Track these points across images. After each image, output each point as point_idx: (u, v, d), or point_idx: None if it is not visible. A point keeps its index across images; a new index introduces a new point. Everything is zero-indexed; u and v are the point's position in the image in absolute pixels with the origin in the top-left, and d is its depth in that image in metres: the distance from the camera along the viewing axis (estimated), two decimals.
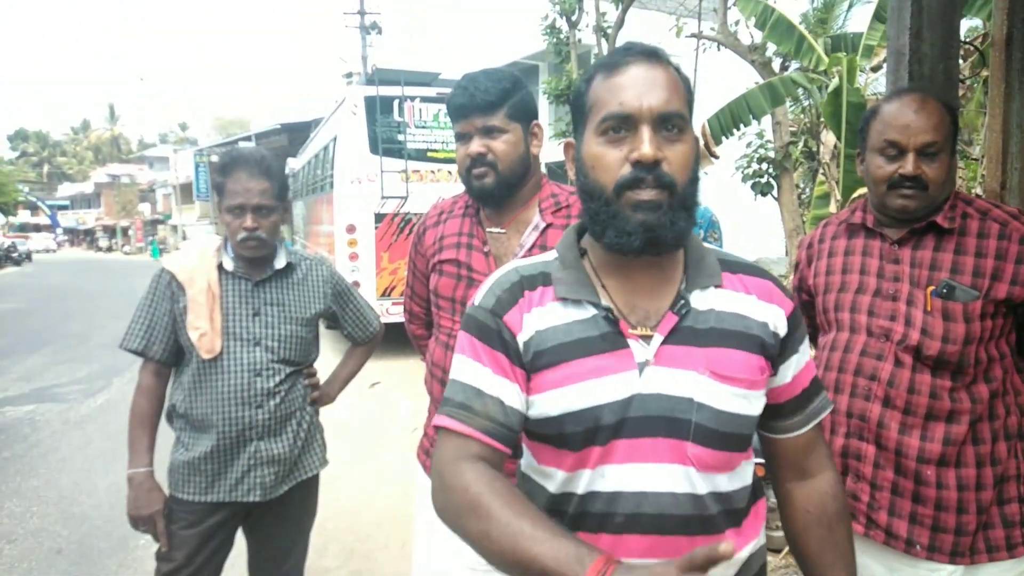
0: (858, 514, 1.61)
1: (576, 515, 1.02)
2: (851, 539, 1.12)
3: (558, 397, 1.00)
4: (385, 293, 8.17)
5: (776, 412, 1.11)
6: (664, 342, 1.01)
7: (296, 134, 16.78)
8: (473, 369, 1.05)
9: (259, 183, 2.00)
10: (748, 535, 1.07)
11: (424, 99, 8.30)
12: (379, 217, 8.16)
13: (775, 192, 7.28)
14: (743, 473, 1.06)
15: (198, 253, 2.10)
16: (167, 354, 2.06)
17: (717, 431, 0.99)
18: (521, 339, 1.04)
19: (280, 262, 2.12)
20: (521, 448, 1.12)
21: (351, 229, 8.10)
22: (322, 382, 2.27)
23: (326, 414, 2.28)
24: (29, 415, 6.30)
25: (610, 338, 1.01)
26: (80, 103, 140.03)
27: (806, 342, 1.11)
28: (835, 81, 5.32)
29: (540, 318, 1.04)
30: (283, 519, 2.16)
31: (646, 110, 0.98)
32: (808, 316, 1.87)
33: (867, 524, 1.60)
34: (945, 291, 1.53)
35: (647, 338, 1.01)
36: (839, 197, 5.57)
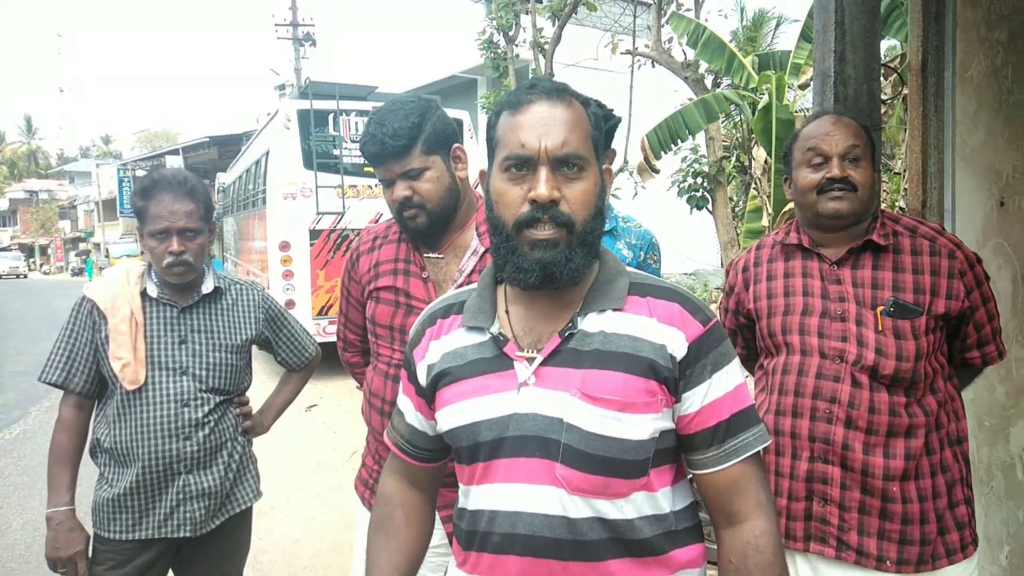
0: (828, 537, 1.60)
1: (467, 531, 1.08)
2: None
3: (449, 413, 1.09)
4: (321, 312, 7.98)
5: (689, 444, 1.06)
6: (544, 363, 1.04)
7: (226, 147, 16.38)
8: (400, 394, 1.24)
9: (184, 205, 1.92)
10: (652, 573, 1.02)
11: (360, 113, 8.18)
12: (315, 233, 7.98)
13: (710, 206, 7.47)
14: (643, 503, 1.02)
15: (121, 279, 2.00)
16: (89, 386, 1.94)
17: (586, 452, 0.99)
18: (425, 363, 1.14)
19: (207, 286, 2.03)
20: (442, 455, 1.24)
21: (285, 246, 7.89)
22: (255, 410, 2.18)
23: (260, 439, 2.20)
24: None
25: (497, 360, 1.07)
26: None
27: (727, 372, 1.05)
28: (765, 98, 5.50)
29: (445, 343, 1.13)
30: (215, 555, 2.06)
31: (543, 151, 1.01)
32: (744, 339, 1.88)
33: (838, 546, 1.59)
34: (893, 309, 1.56)
35: (532, 360, 1.05)
36: (771, 211, 5.75)
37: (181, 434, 1.92)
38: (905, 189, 3.26)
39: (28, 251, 51.74)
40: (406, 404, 1.21)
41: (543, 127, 1.01)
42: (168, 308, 1.98)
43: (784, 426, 1.64)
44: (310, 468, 5.06)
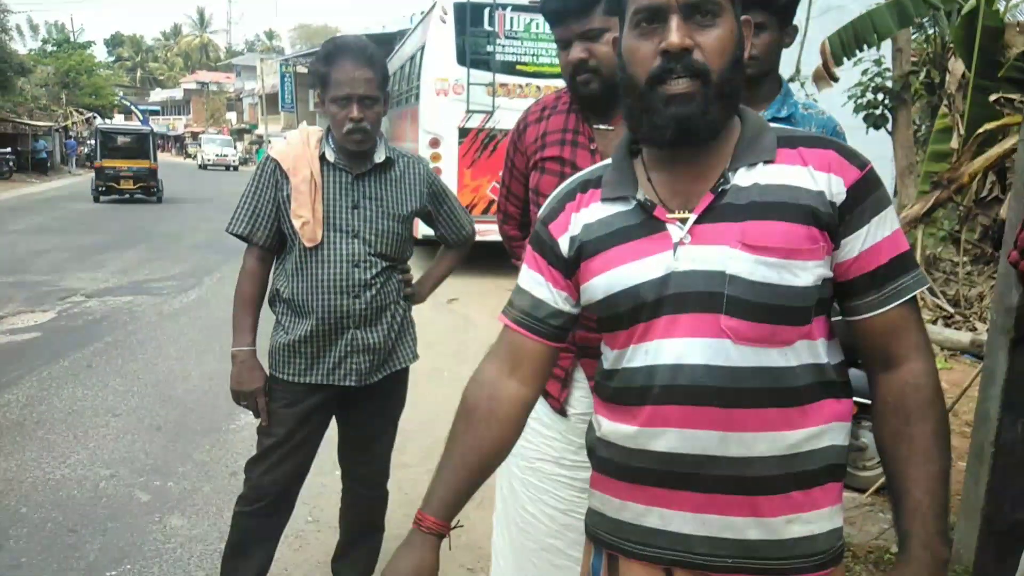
0: None
1: (621, 388, 1.09)
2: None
3: (602, 281, 1.08)
4: (467, 210, 8.15)
5: (848, 291, 1.05)
6: (698, 221, 1.03)
7: (381, 46, 16.65)
8: (523, 272, 1.21)
9: (364, 72, 1.96)
10: (807, 421, 1.02)
11: (516, 7, 8.02)
12: (463, 132, 8.07)
13: (889, 126, 6.80)
14: (804, 351, 1.02)
15: (302, 142, 2.09)
16: (270, 240, 2.08)
17: (752, 302, 0.99)
18: (567, 236, 1.14)
19: (380, 156, 2.10)
20: (561, 335, 1.21)
21: (435, 143, 8.05)
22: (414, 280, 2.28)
23: None
24: (128, 305, 6.66)
25: (647, 224, 1.06)
26: (170, 7, 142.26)
27: (884, 217, 1.03)
28: (971, 2, 4.86)
29: (586, 216, 1.13)
30: (375, 407, 2.21)
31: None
32: None
33: None
34: None
35: (684, 220, 1.04)
36: (962, 132, 5.16)
37: (351, 292, 2.04)
38: None
39: (199, 139, 55.92)
40: (534, 279, 1.18)
41: None
42: (343, 174, 2.06)
43: None
44: (448, 355, 5.30)
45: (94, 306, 6.60)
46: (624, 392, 1.08)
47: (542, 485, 1.76)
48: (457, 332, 6.02)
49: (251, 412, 2.13)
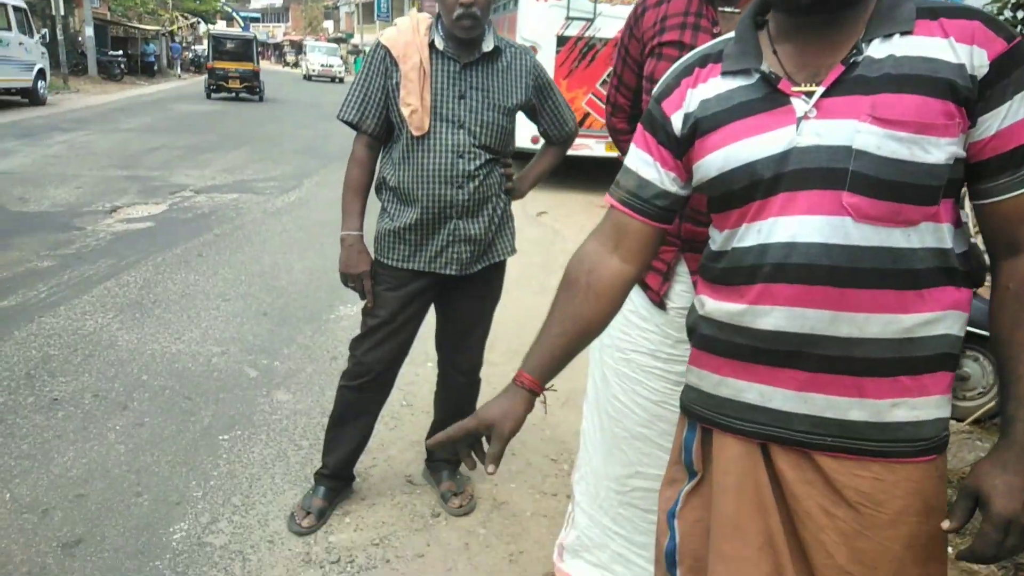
0: None
1: (728, 268, 1.07)
2: None
3: (718, 158, 1.05)
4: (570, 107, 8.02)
5: (980, 172, 1.00)
6: (826, 94, 0.99)
7: None
8: (631, 151, 1.19)
9: None
10: (924, 306, 0.99)
11: None
12: (561, 40, 7.84)
13: None
14: (928, 234, 0.98)
15: (411, 28, 2.09)
16: (378, 128, 2.12)
17: (877, 179, 0.96)
18: (682, 113, 1.11)
19: (488, 45, 2.07)
20: (666, 217, 1.19)
21: (533, 50, 7.86)
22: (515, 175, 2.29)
23: None
24: (233, 202, 6.97)
25: (770, 98, 1.03)
26: None
27: None
28: None
29: (704, 91, 1.10)
30: (473, 297, 2.27)
31: None
32: None
33: None
34: None
35: (811, 94, 1.00)
36: None
37: (455, 183, 2.07)
38: None
39: (297, 47, 56.56)
40: (641, 159, 1.16)
41: None
42: (451, 63, 2.05)
43: None
44: (536, 266, 5.34)
45: (202, 201, 6.94)
46: (733, 272, 1.07)
47: (635, 376, 1.78)
48: (545, 244, 6.04)
49: (356, 295, 2.23)
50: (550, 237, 6.31)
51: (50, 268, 4.69)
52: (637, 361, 1.77)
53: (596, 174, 8.08)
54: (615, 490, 1.90)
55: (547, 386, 1.20)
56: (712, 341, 1.11)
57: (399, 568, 2.19)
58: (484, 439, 1.17)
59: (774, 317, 1.01)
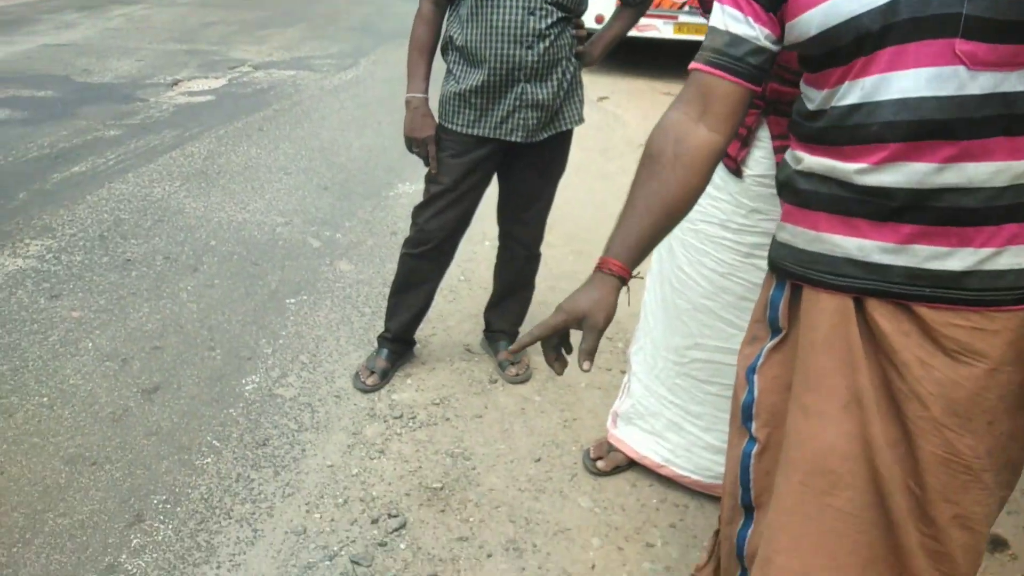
0: None
1: (828, 128, 1.02)
2: None
3: (815, 16, 0.98)
4: None
5: None
6: None
7: None
8: (715, 12, 1.11)
9: None
10: None
11: None
12: None
13: None
14: None
15: None
16: None
17: (994, 20, 0.89)
18: None
19: None
20: (757, 77, 1.11)
21: None
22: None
23: None
24: (292, 79, 6.91)
25: None
26: None
27: None
28: None
29: None
30: (536, 167, 2.24)
31: None
32: None
33: None
34: None
35: None
36: None
37: (524, 42, 1.99)
38: None
39: None
40: (730, 16, 1.07)
41: None
42: None
43: None
44: (596, 152, 5.21)
45: (261, 77, 6.90)
46: (835, 131, 1.01)
47: (702, 247, 1.75)
48: (605, 129, 5.87)
49: (414, 174, 2.21)
50: (611, 123, 6.13)
51: (116, 137, 4.78)
52: (706, 231, 1.73)
53: (661, 59, 7.73)
54: (673, 361, 1.91)
55: (634, 273, 1.14)
56: (810, 196, 1.07)
57: (458, 426, 2.28)
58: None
59: (881, 173, 0.97)
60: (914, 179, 0.95)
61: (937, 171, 0.94)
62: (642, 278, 1.17)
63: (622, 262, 1.11)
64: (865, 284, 1.02)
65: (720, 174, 1.67)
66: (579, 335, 1.10)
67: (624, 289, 1.13)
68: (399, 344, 2.48)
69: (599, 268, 1.12)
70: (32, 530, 1.84)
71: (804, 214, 1.09)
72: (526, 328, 2.62)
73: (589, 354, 1.08)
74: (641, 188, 1.13)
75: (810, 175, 1.06)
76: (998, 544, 1.90)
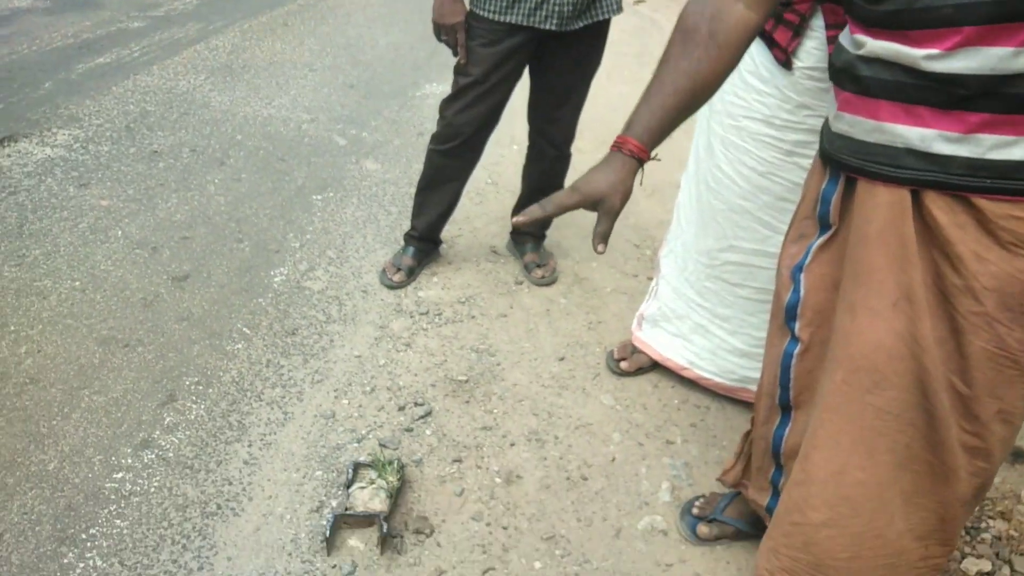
0: None
1: (895, 12, 0.94)
2: None
3: None
4: None
5: None
6: None
7: None
8: None
9: None
10: None
11: None
12: None
13: None
14: None
15: None
16: None
17: None
18: None
19: None
20: None
21: None
22: None
23: None
24: None
25: None
26: None
27: None
28: None
29: None
30: (571, 58, 2.14)
31: None
32: None
33: None
34: None
35: None
36: None
37: None
38: None
39: None
40: None
41: None
42: None
43: None
44: (630, 56, 5.03)
45: None
46: (902, 15, 0.94)
47: (744, 144, 1.69)
48: (641, 34, 5.65)
49: (442, 73, 2.13)
50: (647, 27, 5.89)
51: (140, 29, 4.69)
52: (748, 128, 1.67)
53: None
54: (704, 263, 1.88)
55: (652, 155, 1.10)
56: (871, 83, 1.00)
57: (483, 324, 2.29)
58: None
59: (952, 59, 0.91)
60: (987, 65, 0.89)
61: (1011, 55, 0.87)
62: (660, 160, 1.12)
63: (642, 143, 1.07)
64: (924, 176, 0.97)
65: (767, 66, 1.59)
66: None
67: (639, 170, 1.09)
68: (425, 243, 2.47)
69: (617, 147, 1.08)
70: (70, 405, 1.90)
71: (864, 102, 1.03)
72: (553, 232, 2.61)
73: (604, 237, 1.07)
74: (670, 66, 1.08)
75: (873, 60, 1.00)
76: (1019, 456, 1.90)
